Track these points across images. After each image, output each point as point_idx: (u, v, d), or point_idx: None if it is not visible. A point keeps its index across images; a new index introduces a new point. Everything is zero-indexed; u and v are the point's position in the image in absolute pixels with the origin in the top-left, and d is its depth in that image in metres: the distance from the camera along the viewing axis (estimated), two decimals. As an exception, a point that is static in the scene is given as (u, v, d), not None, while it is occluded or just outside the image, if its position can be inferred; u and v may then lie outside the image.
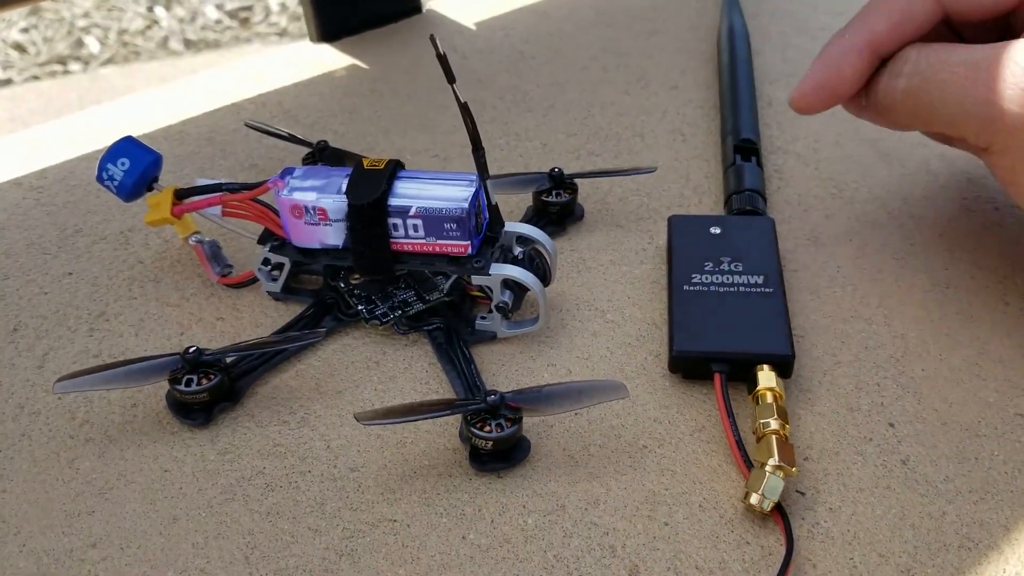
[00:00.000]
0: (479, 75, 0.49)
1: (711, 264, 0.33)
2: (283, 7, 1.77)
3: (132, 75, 1.60)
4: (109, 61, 1.64)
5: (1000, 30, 0.31)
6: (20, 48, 1.67)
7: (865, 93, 0.34)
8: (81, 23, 1.73)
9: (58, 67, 1.63)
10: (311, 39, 0.53)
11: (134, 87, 1.52)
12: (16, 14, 1.74)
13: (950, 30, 0.34)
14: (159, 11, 1.76)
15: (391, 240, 0.31)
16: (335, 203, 0.31)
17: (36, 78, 1.60)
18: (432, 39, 0.27)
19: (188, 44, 1.68)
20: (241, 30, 1.72)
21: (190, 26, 1.72)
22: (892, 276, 0.36)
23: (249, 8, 1.76)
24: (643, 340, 0.33)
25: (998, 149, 0.30)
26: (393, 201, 0.31)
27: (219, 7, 1.76)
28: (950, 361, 0.32)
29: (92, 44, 1.67)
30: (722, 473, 0.29)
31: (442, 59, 0.28)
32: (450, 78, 0.28)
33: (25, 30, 1.71)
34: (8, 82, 1.59)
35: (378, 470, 0.29)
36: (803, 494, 0.28)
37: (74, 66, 1.63)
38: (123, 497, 0.28)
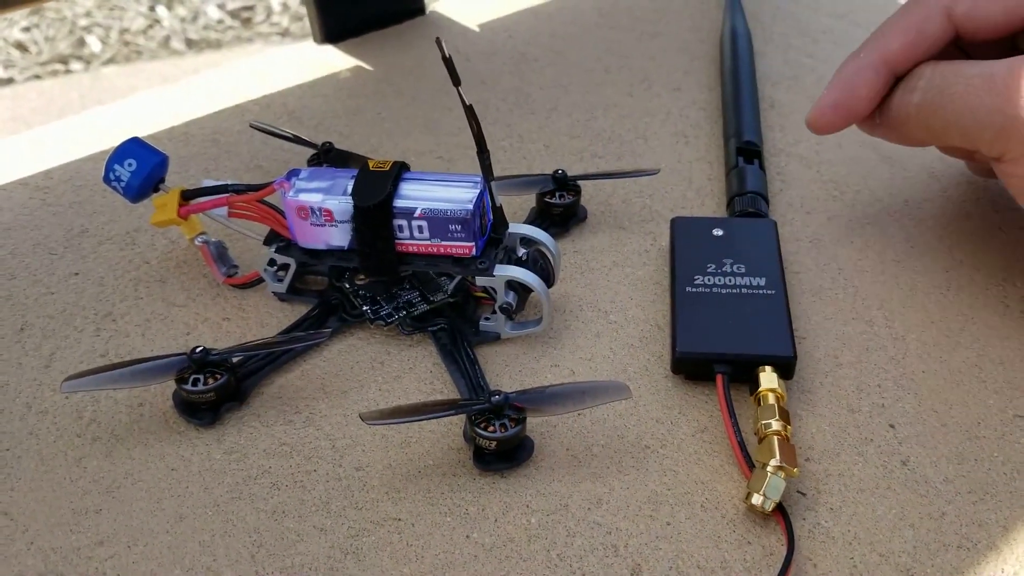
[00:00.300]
0: (482, 77, 0.49)
1: (713, 266, 0.34)
2: (285, 7, 1.77)
3: (134, 75, 1.61)
4: (111, 60, 1.64)
5: (1007, 52, 0.32)
6: (22, 47, 1.67)
7: (879, 111, 0.34)
8: (83, 22, 1.73)
9: (60, 66, 1.63)
10: (315, 40, 0.53)
11: (136, 87, 1.52)
12: (18, 13, 1.75)
13: (960, 52, 0.35)
14: (161, 10, 1.76)
15: (396, 241, 0.31)
16: (341, 204, 0.31)
17: (38, 77, 1.61)
18: (438, 42, 0.28)
19: (190, 44, 1.68)
20: (243, 30, 1.72)
21: (192, 26, 1.73)
22: (893, 278, 0.36)
23: (251, 8, 1.77)
24: (646, 341, 0.33)
25: (1012, 157, 0.31)
26: (398, 202, 0.31)
27: (221, 7, 1.76)
28: (950, 363, 0.32)
29: (94, 43, 1.68)
30: (724, 473, 0.29)
31: (448, 62, 0.28)
32: (455, 80, 0.28)
33: (27, 29, 1.71)
34: (10, 81, 1.59)
35: (383, 469, 0.29)
36: (804, 494, 0.28)
37: (76, 65, 1.63)
38: (130, 495, 0.29)
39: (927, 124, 0.32)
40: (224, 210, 0.34)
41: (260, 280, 0.35)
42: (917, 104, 0.32)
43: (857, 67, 0.34)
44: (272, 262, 0.34)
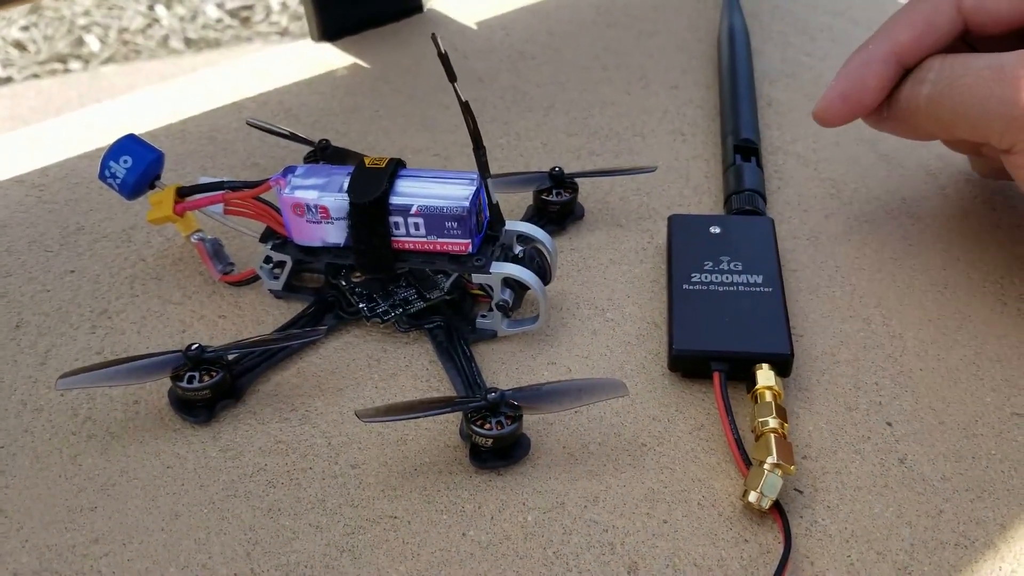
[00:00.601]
0: (480, 74, 0.49)
1: (711, 263, 0.33)
2: (284, 6, 1.77)
3: (132, 74, 1.60)
4: (109, 59, 1.64)
5: (1016, 47, 0.32)
6: (20, 46, 1.67)
7: (887, 104, 0.34)
8: (81, 21, 1.73)
9: (58, 65, 1.63)
10: (312, 38, 0.53)
11: (134, 86, 1.52)
12: (16, 12, 1.74)
13: (968, 48, 0.35)
14: (160, 9, 1.76)
15: (392, 238, 0.31)
16: (337, 201, 0.31)
17: (36, 76, 1.60)
18: (434, 38, 0.28)
19: (189, 43, 1.68)
20: (242, 29, 1.72)
21: (191, 25, 1.73)
22: (890, 276, 0.36)
23: (250, 7, 1.76)
24: (643, 339, 0.33)
25: (1021, 149, 0.30)
26: (394, 199, 0.31)
27: (220, 6, 1.76)
28: (948, 361, 0.32)
29: (92, 42, 1.67)
30: (721, 471, 0.29)
31: (443, 58, 0.28)
32: (451, 77, 0.28)
33: (25, 28, 1.71)
34: (8, 80, 1.59)
35: (379, 467, 0.29)
36: (801, 492, 0.28)
37: (74, 64, 1.63)
38: (125, 493, 0.28)
39: (936, 116, 0.32)
40: (220, 207, 0.33)
41: (256, 277, 0.35)
42: (927, 96, 0.32)
43: (866, 59, 0.33)
44: (268, 259, 0.34)
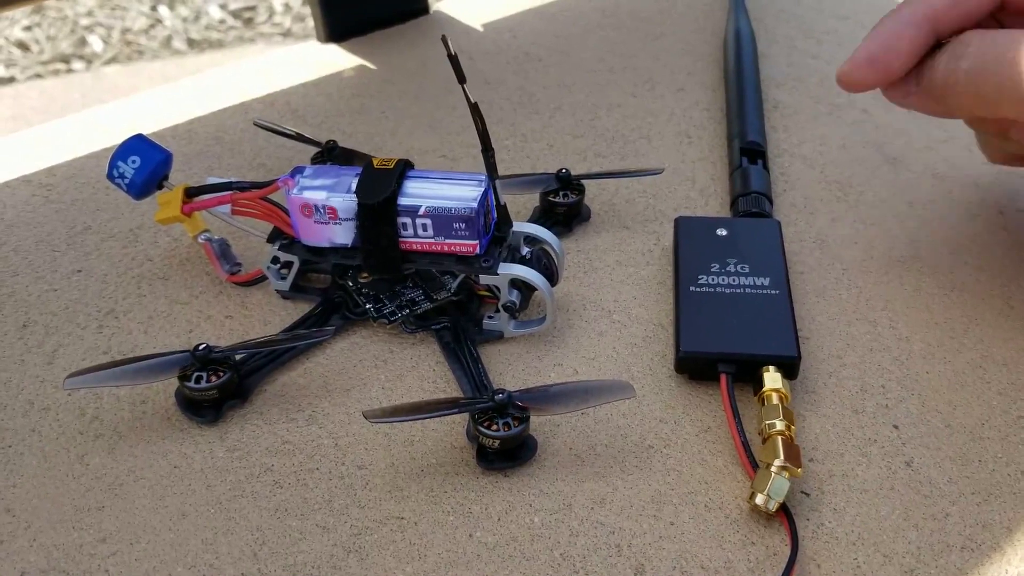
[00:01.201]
0: (486, 76, 0.49)
1: (717, 265, 0.33)
2: (287, 7, 1.77)
3: (135, 74, 1.61)
4: (112, 60, 1.64)
5: None
6: (23, 46, 1.67)
7: (916, 78, 0.32)
8: (84, 21, 1.73)
9: (61, 65, 1.63)
10: (318, 39, 0.53)
11: (137, 86, 1.52)
12: (19, 12, 1.75)
13: (998, 25, 0.33)
14: (163, 10, 1.76)
15: (400, 239, 0.31)
16: (345, 202, 0.31)
17: (39, 76, 1.61)
18: (444, 40, 0.28)
19: (191, 43, 1.68)
20: (245, 30, 1.72)
21: (193, 25, 1.73)
22: (897, 279, 0.36)
23: (253, 8, 1.77)
24: (649, 341, 0.33)
25: None
26: (403, 200, 0.31)
27: (223, 7, 1.76)
28: (954, 364, 0.32)
29: (95, 43, 1.68)
30: (728, 473, 0.29)
31: (453, 59, 0.28)
32: (461, 78, 0.28)
33: (28, 28, 1.71)
34: (11, 80, 1.59)
35: (385, 468, 0.29)
36: (808, 495, 0.28)
37: (77, 64, 1.63)
38: (132, 493, 0.28)
39: (978, 91, 0.30)
40: (228, 207, 0.34)
41: (263, 278, 0.35)
42: (967, 71, 0.30)
43: (898, 22, 0.31)
44: (275, 260, 0.34)
